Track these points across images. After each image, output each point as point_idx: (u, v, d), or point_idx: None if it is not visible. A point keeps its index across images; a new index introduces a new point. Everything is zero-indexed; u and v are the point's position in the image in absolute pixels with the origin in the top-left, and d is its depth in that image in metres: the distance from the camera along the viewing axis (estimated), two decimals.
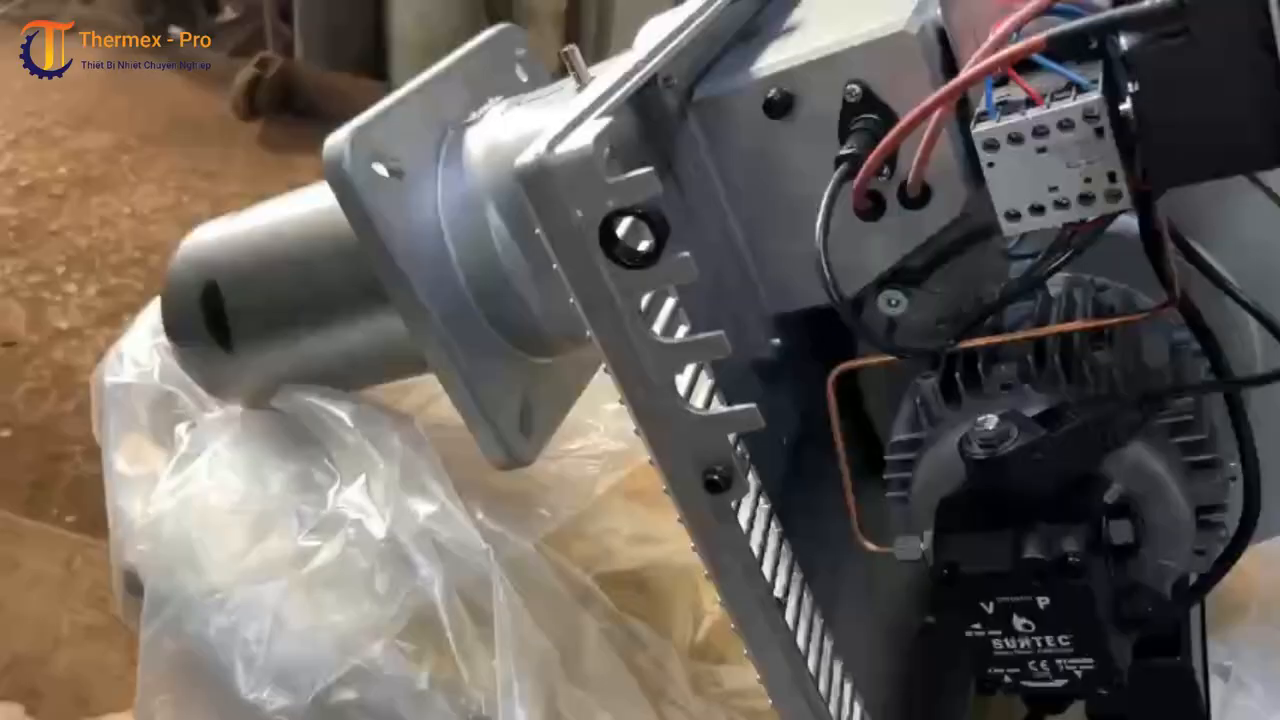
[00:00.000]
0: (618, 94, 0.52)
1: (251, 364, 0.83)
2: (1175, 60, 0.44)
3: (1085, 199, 0.50)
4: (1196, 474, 0.59)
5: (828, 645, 0.67)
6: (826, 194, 0.54)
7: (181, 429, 0.85)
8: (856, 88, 0.58)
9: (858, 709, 0.69)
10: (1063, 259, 0.57)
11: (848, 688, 0.68)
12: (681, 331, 0.57)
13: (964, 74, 0.49)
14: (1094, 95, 0.48)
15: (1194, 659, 0.63)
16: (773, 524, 0.63)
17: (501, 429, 0.73)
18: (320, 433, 0.79)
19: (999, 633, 0.55)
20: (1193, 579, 0.64)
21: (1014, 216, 0.52)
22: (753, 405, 0.51)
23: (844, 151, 0.56)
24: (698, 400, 0.52)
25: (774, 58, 0.61)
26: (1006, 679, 0.56)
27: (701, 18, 0.62)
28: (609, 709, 0.70)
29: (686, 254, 0.48)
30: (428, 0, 2.82)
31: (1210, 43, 0.43)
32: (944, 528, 0.57)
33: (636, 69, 0.55)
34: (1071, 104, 0.49)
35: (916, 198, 0.59)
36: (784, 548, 0.64)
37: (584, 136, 0.46)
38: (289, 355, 0.80)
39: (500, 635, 0.68)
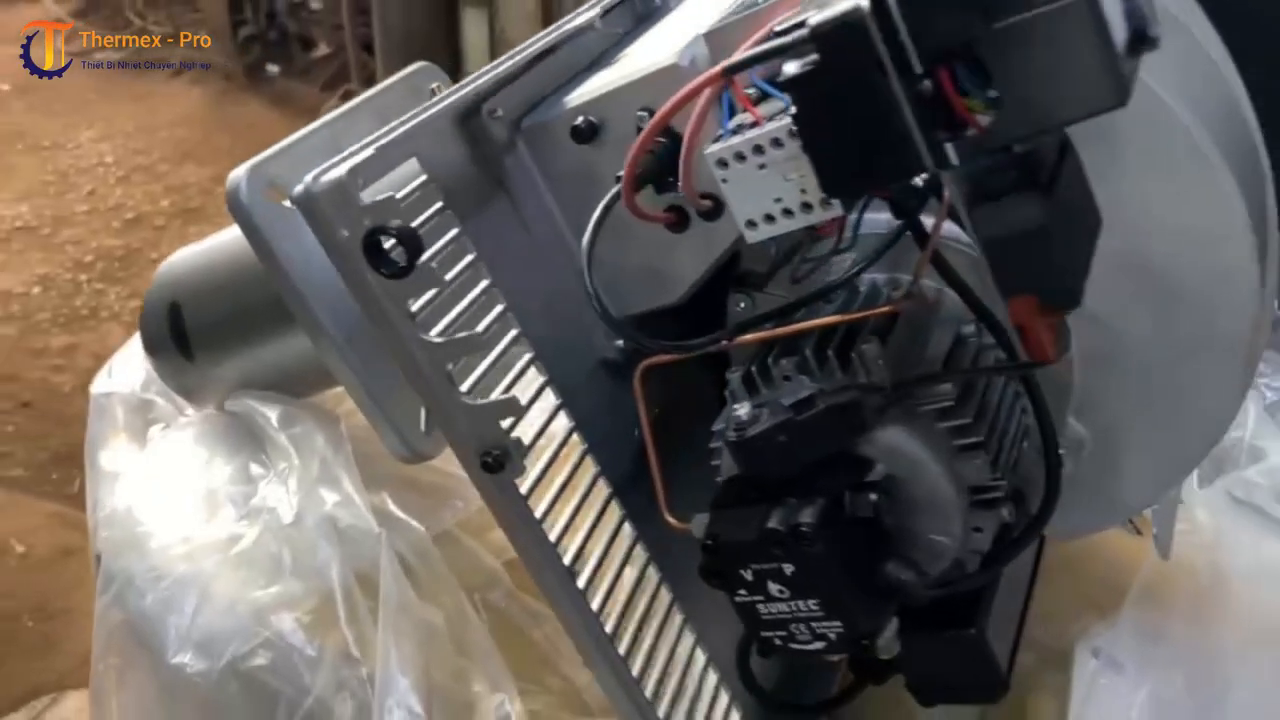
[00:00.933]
0: (405, 128, 0.61)
1: (210, 374, 0.93)
2: (816, 85, 0.50)
3: (805, 206, 0.56)
4: (962, 456, 0.64)
5: (676, 618, 0.74)
6: (595, 214, 0.62)
7: (155, 430, 0.97)
8: (646, 114, 0.65)
9: (712, 678, 0.76)
10: (862, 264, 0.63)
11: (700, 658, 0.75)
12: (513, 333, 0.66)
13: (674, 97, 0.56)
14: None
15: (997, 628, 0.68)
16: (613, 505, 0.71)
17: (403, 429, 0.81)
18: (259, 432, 0.89)
19: (761, 598, 0.61)
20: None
21: (752, 225, 0.58)
22: (514, 396, 0.59)
23: (618, 174, 0.63)
24: (471, 388, 0.60)
25: (584, 88, 0.69)
26: (777, 641, 0.62)
27: (518, 58, 0.70)
28: (486, 676, 0.77)
29: (435, 265, 0.56)
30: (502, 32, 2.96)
31: (839, 69, 0.49)
32: (719, 504, 0.63)
33: (427, 107, 0.63)
34: (778, 124, 0.55)
35: (708, 211, 0.66)
36: (625, 527, 0.72)
37: (343, 168, 0.55)
38: (236, 366, 0.91)
39: (384, 608, 0.77)
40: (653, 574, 0.73)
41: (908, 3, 0.46)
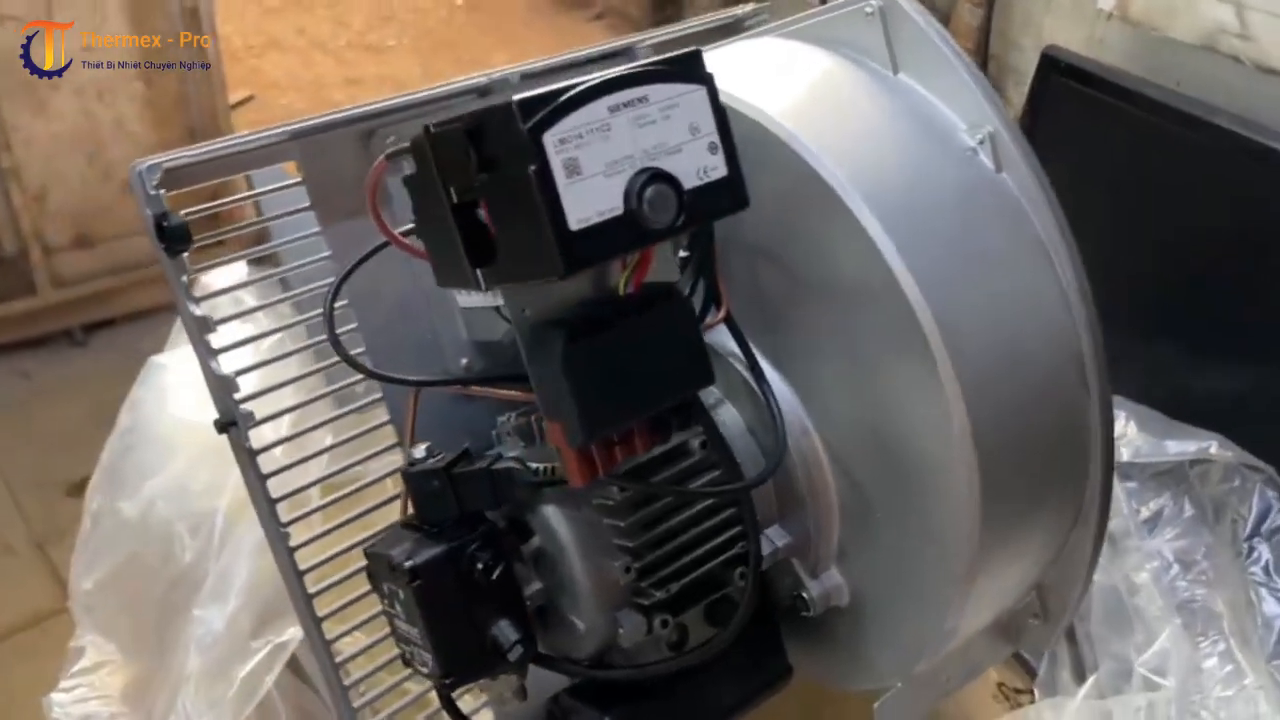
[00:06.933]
0: (286, 138, 0.74)
1: None
2: (417, 189, 0.56)
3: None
4: (612, 554, 0.67)
5: None
6: (365, 253, 0.71)
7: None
8: None
9: None
10: None
11: None
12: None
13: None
14: None
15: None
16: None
17: None
18: None
19: (393, 612, 0.68)
20: None
21: (457, 291, 0.65)
22: (231, 376, 0.70)
23: None
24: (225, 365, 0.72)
25: None
26: (406, 656, 0.69)
27: (418, 94, 0.80)
28: None
29: (186, 255, 0.68)
30: None
31: (424, 181, 0.55)
32: (404, 524, 0.71)
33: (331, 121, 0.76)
34: None
35: None
36: None
37: (146, 163, 0.68)
38: None
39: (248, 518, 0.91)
40: None
41: (435, 138, 0.52)
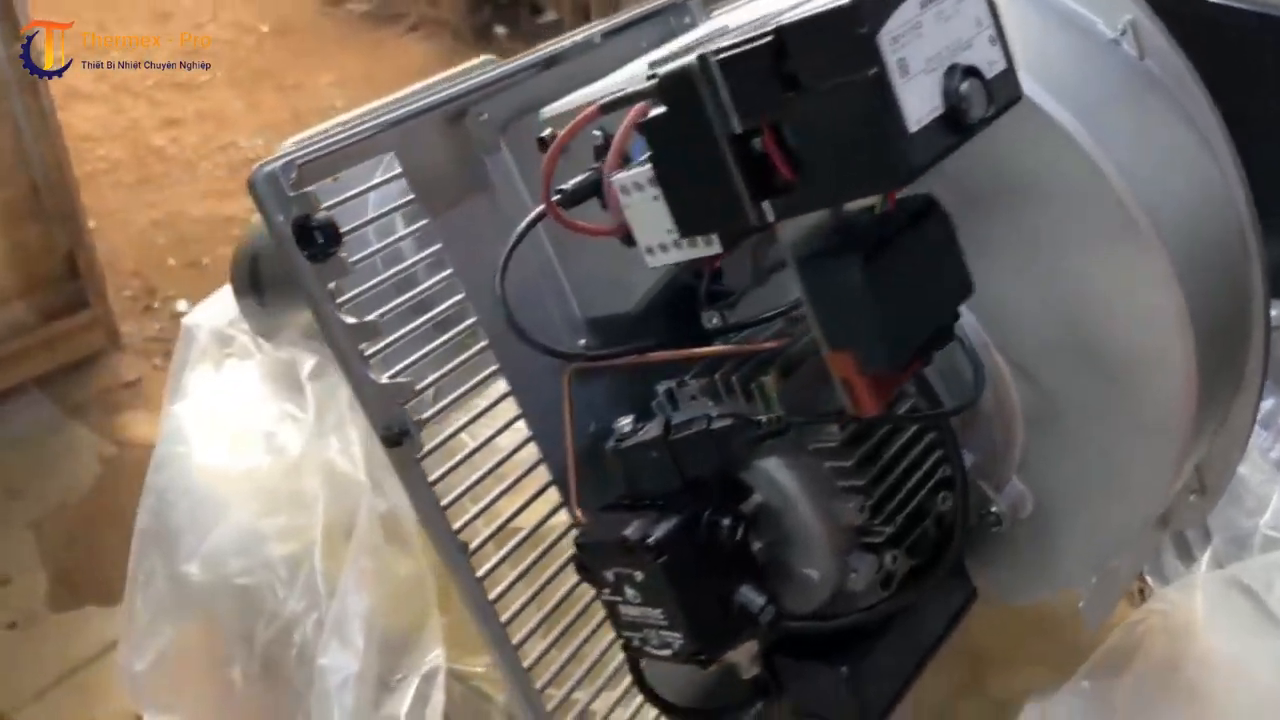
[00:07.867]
0: (386, 127, 0.68)
1: (279, 320, 1.04)
2: (663, 132, 0.53)
3: (680, 241, 0.59)
4: (840, 497, 0.65)
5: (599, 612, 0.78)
6: (520, 227, 0.66)
7: (230, 362, 1.08)
8: (600, 134, 0.69)
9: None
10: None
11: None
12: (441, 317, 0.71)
13: (569, 127, 0.60)
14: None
15: (874, 671, 0.69)
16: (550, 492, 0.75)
17: None
18: (299, 376, 0.99)
19: (620, 599, 0.64)
20: None
21: (651, 252, 0.62)
22: (407, 381, 0.65)
23: (558, 188, 0.66)
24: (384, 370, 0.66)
25: (558, 103, 0.73)
26: (635, 643, 0.66)
27: (508, 65, 0.76)
28: (427, 632, 0.84)
29: (345, 255, 0.62)
30: None
31: (678, 119, 0.52)
32: (609, 506, 0.67)
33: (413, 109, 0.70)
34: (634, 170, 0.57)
35: (625, 235, 0.68)
36: (560, 514, 0.76)
37: (280, 162, 0.62)
38: (298, 317, 1.01)
39: (353, 550, 0.85)
40: None
41: (725, 63, 0.49)
